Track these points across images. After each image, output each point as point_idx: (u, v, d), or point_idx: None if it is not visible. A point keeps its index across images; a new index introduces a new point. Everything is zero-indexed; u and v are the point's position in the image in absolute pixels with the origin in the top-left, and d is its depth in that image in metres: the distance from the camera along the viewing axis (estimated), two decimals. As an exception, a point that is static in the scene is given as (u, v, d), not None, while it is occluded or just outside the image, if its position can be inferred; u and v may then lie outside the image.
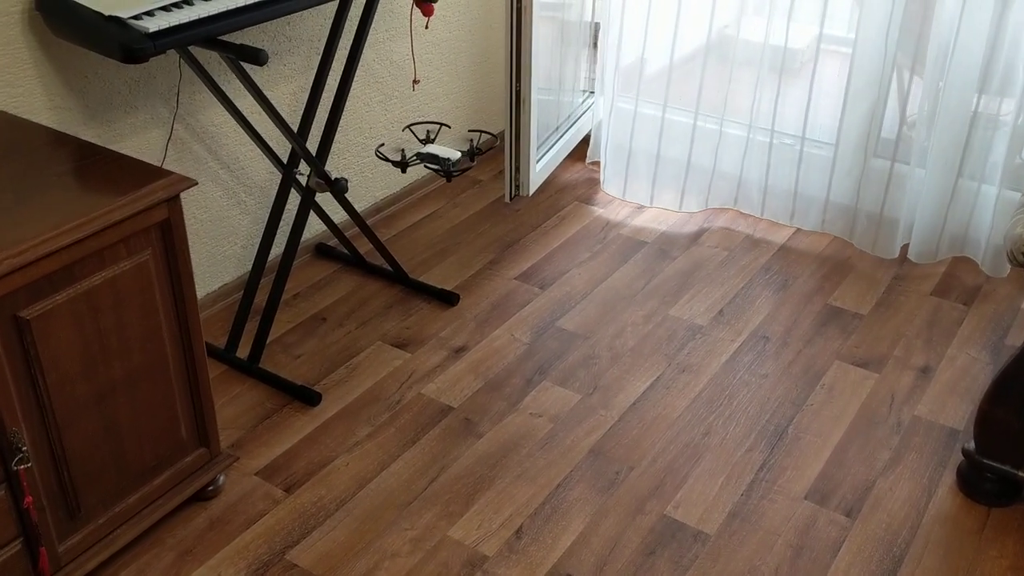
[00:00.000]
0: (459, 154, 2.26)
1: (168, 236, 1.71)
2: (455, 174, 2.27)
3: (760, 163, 2.98)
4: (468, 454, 2.14)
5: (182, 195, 1.70)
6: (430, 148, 2.29)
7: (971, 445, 2.02)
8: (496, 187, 3.20)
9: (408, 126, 2.61)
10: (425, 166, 2.30)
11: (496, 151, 3.23)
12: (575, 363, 2.42)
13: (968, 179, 2.74)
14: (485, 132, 2.67)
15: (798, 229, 2.96)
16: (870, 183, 2.83)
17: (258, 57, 1.88)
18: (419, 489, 2.05)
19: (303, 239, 2.80)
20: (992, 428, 1.96)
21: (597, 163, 3.33)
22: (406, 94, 2.97)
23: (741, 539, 1.94)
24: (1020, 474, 1.96)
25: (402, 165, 2.20)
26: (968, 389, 2.34)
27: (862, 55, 2.70)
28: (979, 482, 2.03)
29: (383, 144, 2.60)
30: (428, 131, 2.65)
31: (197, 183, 1.71)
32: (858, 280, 2.75)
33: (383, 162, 2.97)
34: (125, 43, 1.75)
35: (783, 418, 2.25)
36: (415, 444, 2.16)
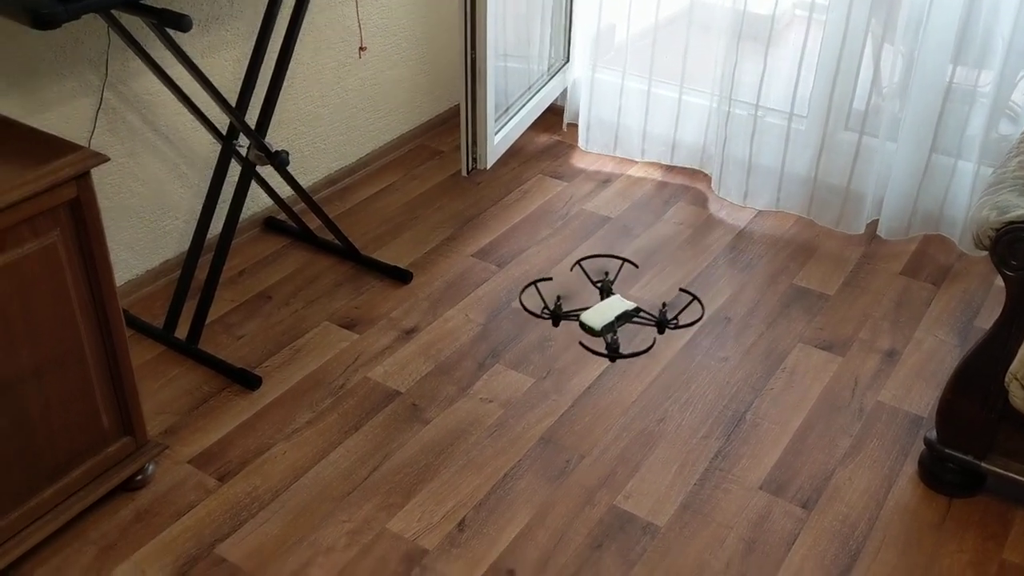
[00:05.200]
0: (634, 305, 2.26)
1: (79, 216, 1.60)
2: (671, 325, 2.31)
3: (719, 133, 2.86)
4: (413, 442, 2.05)
5: (116, 169, 1.58)
6: (619, 310, 2.28)
7: (933, 434, 1.94)
8: (458, 158, 3.09)
9: (578, 261, 2.37)
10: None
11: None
12: (530, 346, 2.33)
13: (943, 154, 2.64)
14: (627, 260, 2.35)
15: (764, 208, 2.85)
16: (837, 156, 2.73)
17: (181, 23, 1.76)
18: (359, 479, 1.96)
19: (251, 212, 2.69)
20: (954, 417, 1.88)
21: (568, 129, 3.22)
22: (360, 61, 2.84)
23: (692, 532, 1.87)
24: (983, 465, 1.89)
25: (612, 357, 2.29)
26: (934, 373, 2.26)
27: (831, 22, 2.58)
28: (941, 472, 1.95)
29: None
30: (607, 273, 2.44)
31: (109, 159, 1.60)
32: (825, 258, 2.66)
33: (334, 134, 2.85)
34: (33, 7, 1.62)
35: (741, 403, 2.17)
36: (357, 431, 2.07)
